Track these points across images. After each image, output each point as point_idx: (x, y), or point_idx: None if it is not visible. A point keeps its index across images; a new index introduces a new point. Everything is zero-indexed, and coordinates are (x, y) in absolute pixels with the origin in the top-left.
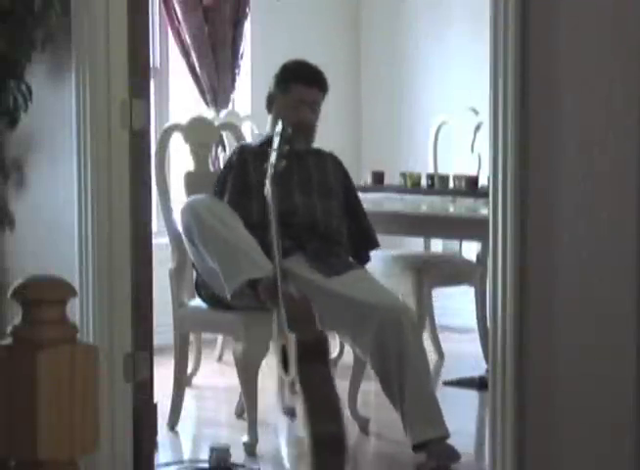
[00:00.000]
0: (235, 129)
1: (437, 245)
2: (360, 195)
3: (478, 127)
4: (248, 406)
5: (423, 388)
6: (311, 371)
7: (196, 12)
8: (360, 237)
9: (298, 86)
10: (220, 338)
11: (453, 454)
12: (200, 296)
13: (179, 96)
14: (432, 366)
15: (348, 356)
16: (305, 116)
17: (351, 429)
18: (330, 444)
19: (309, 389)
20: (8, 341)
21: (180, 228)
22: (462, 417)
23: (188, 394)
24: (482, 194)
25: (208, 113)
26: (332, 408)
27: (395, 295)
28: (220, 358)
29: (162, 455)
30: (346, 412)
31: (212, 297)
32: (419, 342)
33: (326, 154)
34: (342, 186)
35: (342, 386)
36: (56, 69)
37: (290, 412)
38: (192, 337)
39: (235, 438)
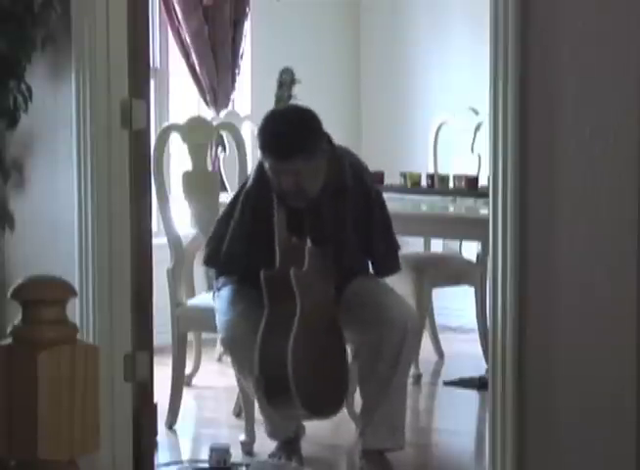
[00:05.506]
0: (233, 129)
1: (437, 245)
2: None
3: (478, 127)
4: (245, 406)
5: (402, 397)
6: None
7: (196, 12)
8: (374, 261)
9: (270, 160)
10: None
11: None
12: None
13: (179, 96)
14: (432, 366)
15: None
16: (287, 184)
17: (349, 428)
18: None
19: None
20: (8, 341)
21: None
22: (462, 417)
23: (188, 394)
24: (482, 194)
25: (208, 113)
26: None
27: (408, 303)
28: (220, 358)
29: (162, 455)
30: (344, 412)
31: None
32: (411, 356)
33: (343, 183)
34: (361, 210)
35: None
36: (56, 69)
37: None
38: (192, 337)
39: (235, 438)
